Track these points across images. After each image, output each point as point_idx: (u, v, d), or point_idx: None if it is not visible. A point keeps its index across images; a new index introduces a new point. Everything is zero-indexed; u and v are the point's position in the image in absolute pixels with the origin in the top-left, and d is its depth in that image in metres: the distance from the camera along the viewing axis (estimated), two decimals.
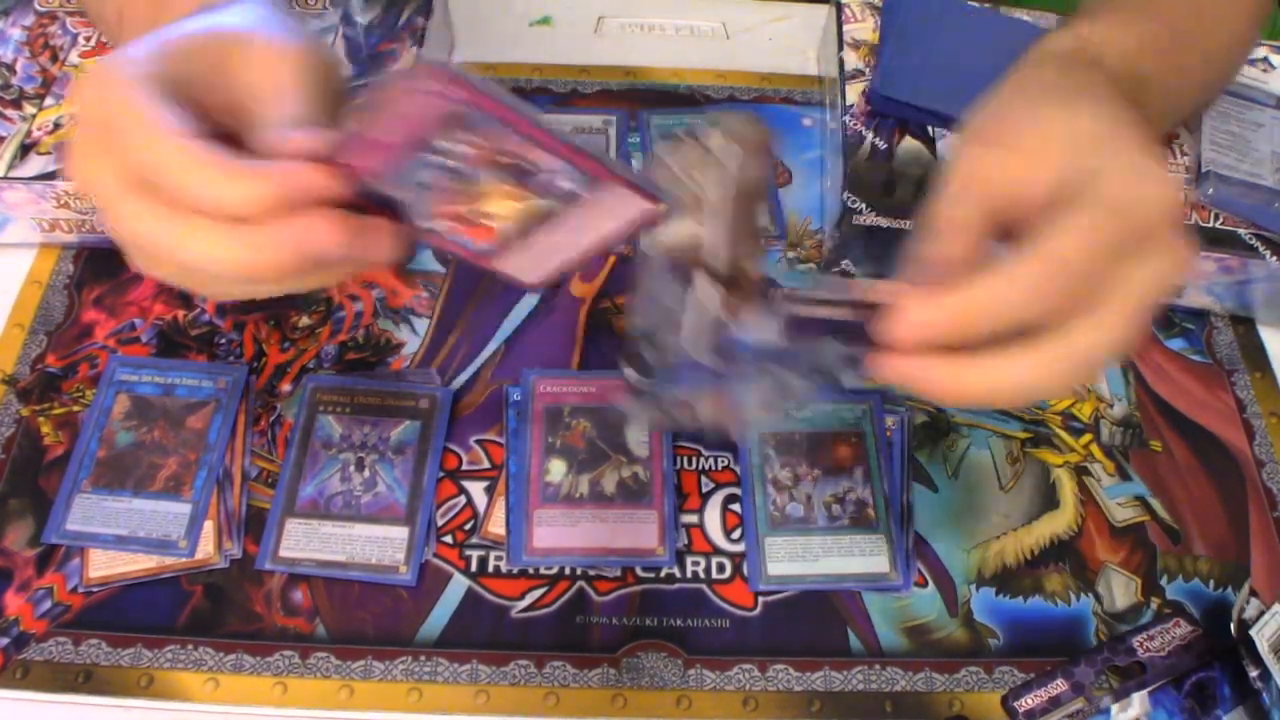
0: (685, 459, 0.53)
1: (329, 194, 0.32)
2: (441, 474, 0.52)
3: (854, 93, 0.59)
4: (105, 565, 0.48)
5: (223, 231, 0.31)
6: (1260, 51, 0.63)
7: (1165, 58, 0.44)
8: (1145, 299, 0.33)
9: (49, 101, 0.56)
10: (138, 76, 0.33)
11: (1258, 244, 0.54)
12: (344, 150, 0.32)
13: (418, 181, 0.33)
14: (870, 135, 0.57)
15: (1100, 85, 0.39)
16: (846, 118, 0.58)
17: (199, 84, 0.34)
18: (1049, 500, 0.53)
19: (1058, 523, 0.52)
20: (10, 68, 0.58)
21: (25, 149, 0.54)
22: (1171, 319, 0.59)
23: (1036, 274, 0.32)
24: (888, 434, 0.53)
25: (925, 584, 0.50)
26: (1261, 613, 0.45)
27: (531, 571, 0.49)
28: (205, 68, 0.35)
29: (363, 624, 0.48)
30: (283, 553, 0.49)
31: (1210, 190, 0.54)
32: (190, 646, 0.47)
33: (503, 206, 0.34)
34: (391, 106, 0.31)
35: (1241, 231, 0.54)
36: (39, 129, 0.55)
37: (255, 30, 0.36)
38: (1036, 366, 0.32)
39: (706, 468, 0.52)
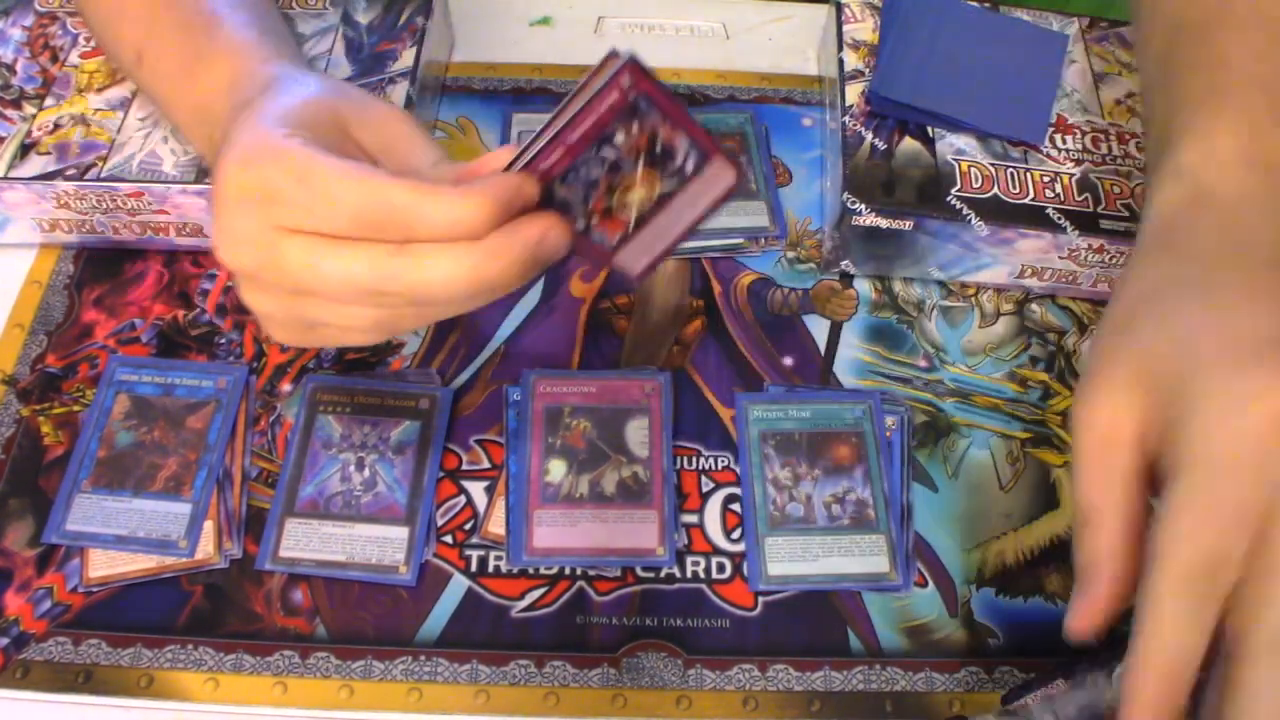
0: (685, 459, 0.53)
1: (532, 200, 0.33)
2: (441, 474, 0.52)
3: (854, 93, 0.59)
4: (105, 565, 0.48)
5: (465, 248, 0.32)
6: None
7: None
8: None
9: (49, 102, 0.56)
10: (299, 141, 0.34)
11: None
12: (538, 157, 0.33)
13: (588, 179, 0.34)
14: (870, 135, 0.57)
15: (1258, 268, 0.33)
16: (846, 118, 0.58)
17: (329, 145, 0.36)
18: (1049, 500, 0.53)
19: (1058, 523, 0.52)
20: (10, 68, 0.58)
21: (25, 149, 0.54)
22: None
23: (1181, 586, 0.28)
24: (888, 434, 0.53)
25: (925, 584, 0.50)
26: None
27: (531, 571, 0.49)
28: (327, 131, 0.37)
29: (363, 624, 0.48)
30: (283, 553, 0.49)
31: None
32: (190, 646, 0.47)
33: (638, 195, 0.35)
34: (585, 104, 0.32)
35: None
36: (39, 129, 0.55)
37: (355, 94, 0.39)
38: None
39: (706, 468, 0.53)
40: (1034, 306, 0.59)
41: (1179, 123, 0.38)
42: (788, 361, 0.56)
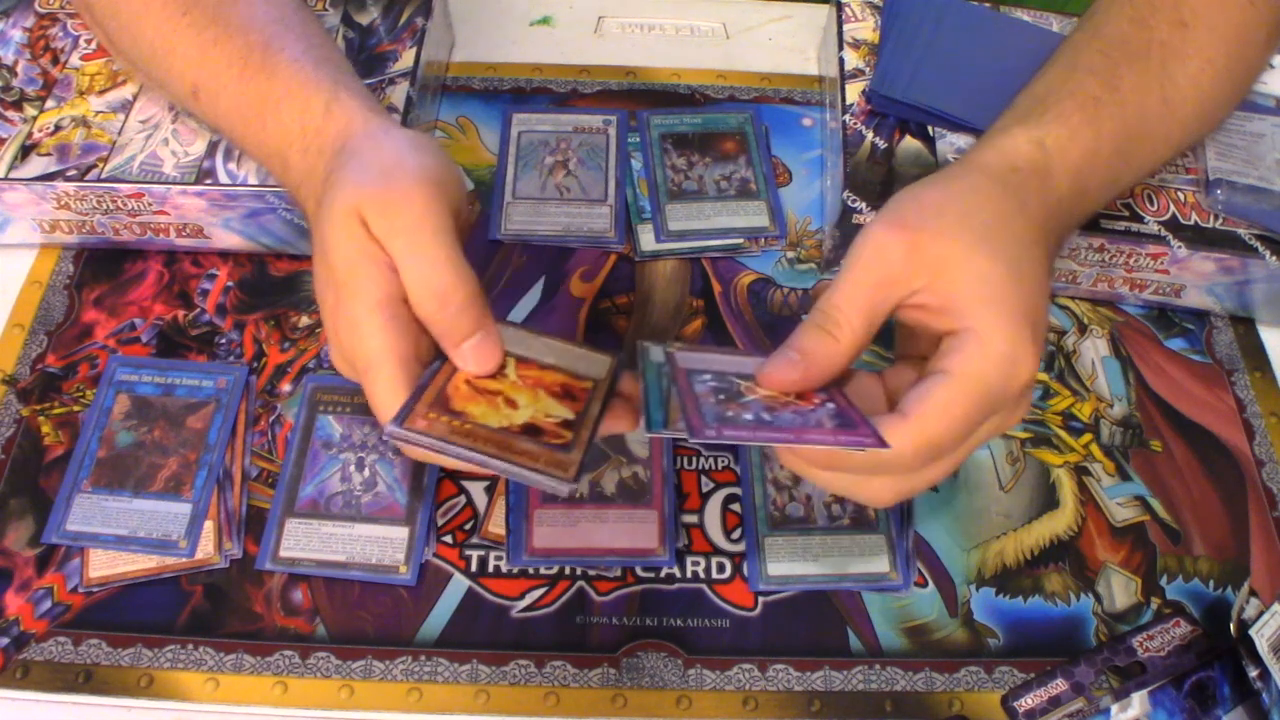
0: (685, 459, 0.53)
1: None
2: (441, 474, 0.52)
3: (854, 92, 0.59)
4: (105, 565, 0.48)
5: None
6: None
7: (1107, 169, 0.46)
8: (982, 443, 0.40)
9: (50, 104, 0.56)
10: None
11: (1258, 244, 0.54)
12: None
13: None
14: (870, 134, 0.57)
15: (1034, 229, 0.41)
16: (846, 117, 0.58)
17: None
18: (1049, 500, 0.52)
19: (1058, 523, 0.52)
20: (11, 69, 0.58)
21: (26, 150, 0.54)
22: (1171, 319, 0.59)
23: (912, 448, 0.37)
24: None
25: (925, 584, 0.50)
26: (1261, 612, 0.45)
27: (531, 571, 0.49)
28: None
29: (363, 624, 0.48)
30: (283, 553, 0.49)
31: (1221, 196, 0.54)
32: (190, 646, 0.47)
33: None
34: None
35: (1241, 232, 0.54)
36: (40, 130, 0.55)
37: (396, 193, 0.39)
38: (882, 490, 0.40)
39: (706, 468, 0.52)
40: None
41: (1066, 97, 0.46)
42: None
